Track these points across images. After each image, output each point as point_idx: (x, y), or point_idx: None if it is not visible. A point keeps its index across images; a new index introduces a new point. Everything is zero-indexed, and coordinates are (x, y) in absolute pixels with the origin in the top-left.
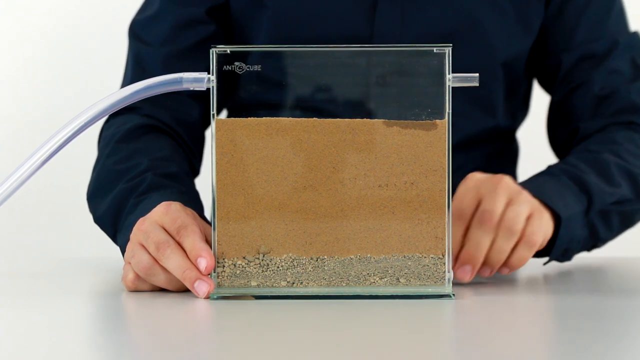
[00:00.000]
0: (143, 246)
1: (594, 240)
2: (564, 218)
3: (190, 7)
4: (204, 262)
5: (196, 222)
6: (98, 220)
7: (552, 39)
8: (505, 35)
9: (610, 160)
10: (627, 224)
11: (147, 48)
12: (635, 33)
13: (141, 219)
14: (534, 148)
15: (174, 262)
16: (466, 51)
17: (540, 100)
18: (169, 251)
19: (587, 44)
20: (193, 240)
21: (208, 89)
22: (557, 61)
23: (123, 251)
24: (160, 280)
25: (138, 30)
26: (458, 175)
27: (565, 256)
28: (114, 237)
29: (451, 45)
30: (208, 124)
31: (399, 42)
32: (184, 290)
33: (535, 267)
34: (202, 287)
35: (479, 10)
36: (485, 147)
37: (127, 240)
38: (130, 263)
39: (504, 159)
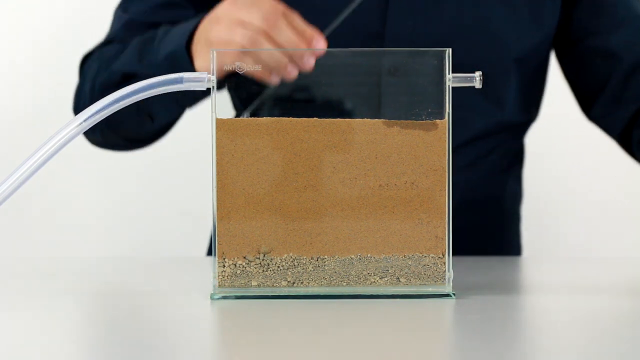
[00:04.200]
0: (244, 22)
1: None
2: None
3: None
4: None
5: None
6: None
7: (577, 25)
8: (516, 30)
9: None
10: None
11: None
12: None
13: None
14: (536, 155)
15: (286, 35)
16: (477, 46)
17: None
18: (280, 23)
19: (634, 20)
20: (301, 22)
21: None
22: (601, 43)
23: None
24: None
25: (121, 5)
26: (467, 170)
27: None
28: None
29: (450, 49)
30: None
31: (410, 36)
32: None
33: (534, 266)
34: (311, 60)
35: (490, 4)
36: (493, 139)
37: (180, 45)
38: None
39: (510, 154)
